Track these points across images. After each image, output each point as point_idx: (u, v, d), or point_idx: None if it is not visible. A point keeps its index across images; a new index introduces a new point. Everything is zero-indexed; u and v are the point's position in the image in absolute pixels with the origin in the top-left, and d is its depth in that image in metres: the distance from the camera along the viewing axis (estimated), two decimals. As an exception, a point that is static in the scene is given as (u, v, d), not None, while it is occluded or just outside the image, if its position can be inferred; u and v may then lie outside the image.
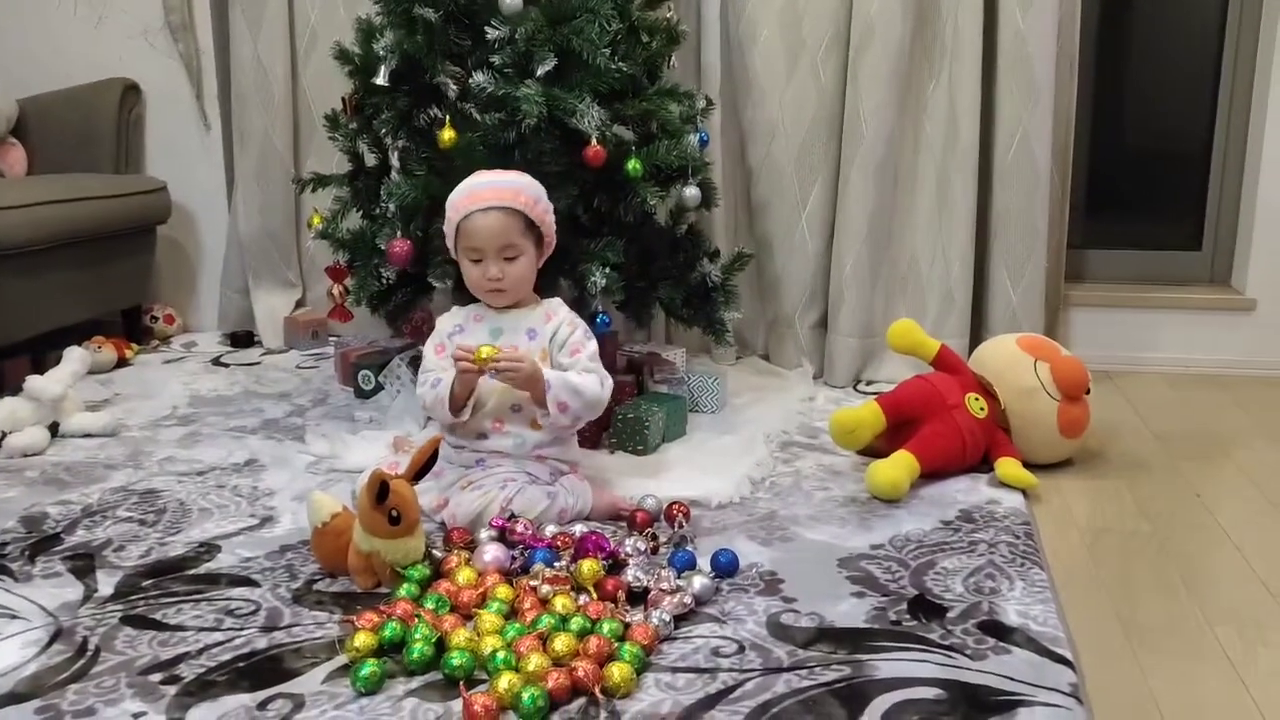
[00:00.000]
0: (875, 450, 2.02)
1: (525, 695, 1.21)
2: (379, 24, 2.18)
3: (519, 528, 1.65)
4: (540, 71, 2.04)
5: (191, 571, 1.60)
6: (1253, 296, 2.73)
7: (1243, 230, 2.79)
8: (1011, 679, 1.30)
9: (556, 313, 1.85)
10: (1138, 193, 3.01)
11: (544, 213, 1.82)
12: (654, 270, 2.27)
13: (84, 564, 1.62)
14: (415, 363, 2.39)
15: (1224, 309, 2.76)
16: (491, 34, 2.07)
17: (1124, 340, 2.76)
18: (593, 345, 1.83)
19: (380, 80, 2.10)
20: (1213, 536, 1.79)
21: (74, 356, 2.29)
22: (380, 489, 1.48)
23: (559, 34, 2.06)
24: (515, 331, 1.82)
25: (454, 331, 1.85)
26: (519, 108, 1.99)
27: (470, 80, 2.08)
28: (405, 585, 1.49)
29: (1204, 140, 2.86)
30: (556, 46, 2.05)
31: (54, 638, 1.40)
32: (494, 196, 1.76)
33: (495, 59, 2.08)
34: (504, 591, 1.47)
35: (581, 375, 1.77)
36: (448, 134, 2.05)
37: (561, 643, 1.32)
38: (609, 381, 1.81)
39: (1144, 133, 3.00)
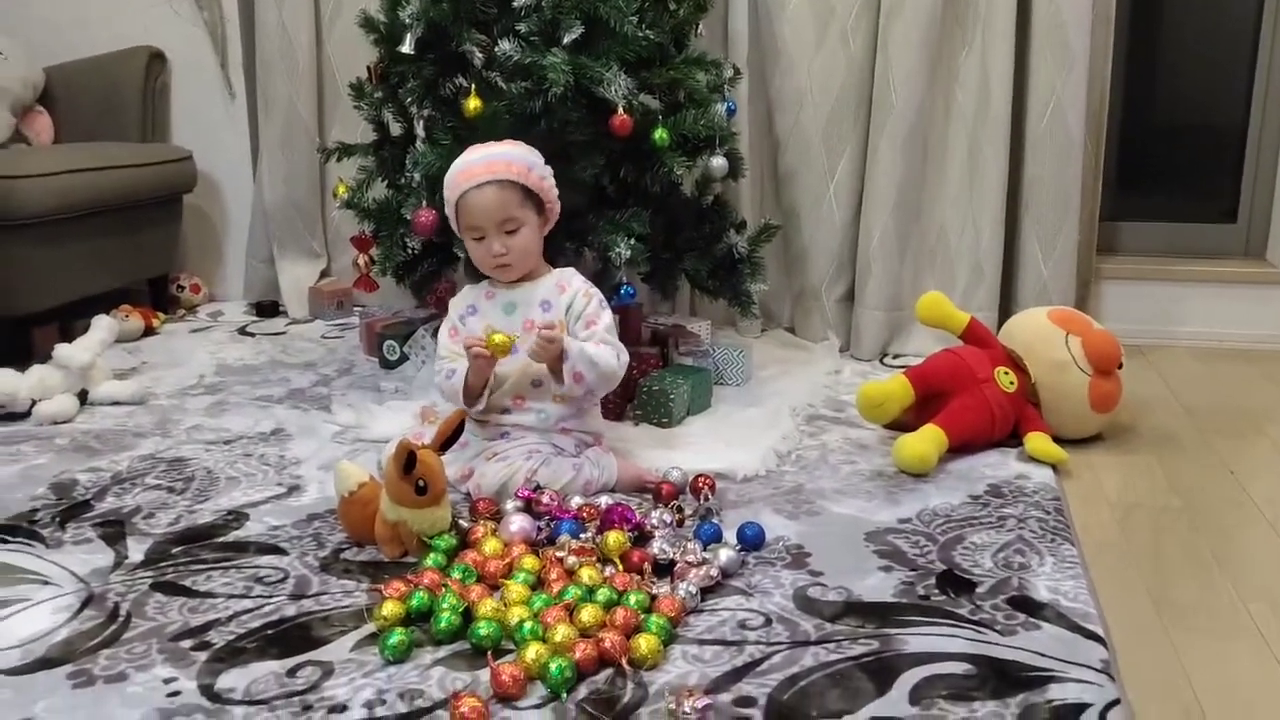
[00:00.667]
0: (903, 424, 2.01)
1: (553, 665, 1.21)
2: (405, -10, 2.16)
3: (545, 499, 1.65)
4: (567, 39, 2.01)
5: (220, 539, 1.61)
6: (1288, 270, 2.69)
7: (1279, 204, 2.74)
8: (1042, 655, 1.29)
9: (570, 283, 1.82)
10: (1172, 164, 2.96)
11: (540, 179, 1.78)
12: (679, 241, 2.26)
13: (114, 530, 1.64)
14: (440, 333, 2.39)
15: (1258, 282, 2.72)
16: (518, 1, 2.04)
17: (1156, 314, 2.73)
18: (608, 316, 1.81)
19: (406, 48, 2.09)
20: (1246, 513, 1.76)
21: (102, 325, 2.31)
22: (408, 459, 1.48)
23: (586, 1, 2.03)
24: (529, 305, 1.80)
25: (466, 313, 1.83)
26: (545, 76, 1.97)
27: (496, 48, 2.06)
28: (431, 555, 1.49)
29: (1241, 112, 2.81)
30: (583, 14, 2.02)
31: (85, 603, 1.42)
32: (486, 171, 1.74)
33: (521, 27, 2.05)
34: (530, 562, 1.47)
35: (598, 346, 1.75)
36: (473, 103, 2.03)
37: (588, 614, 1.32)
38: (624, 355, 1.80)
39: (1179, 103, 2.95)
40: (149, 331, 2.83)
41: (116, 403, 2.23)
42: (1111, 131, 2.70)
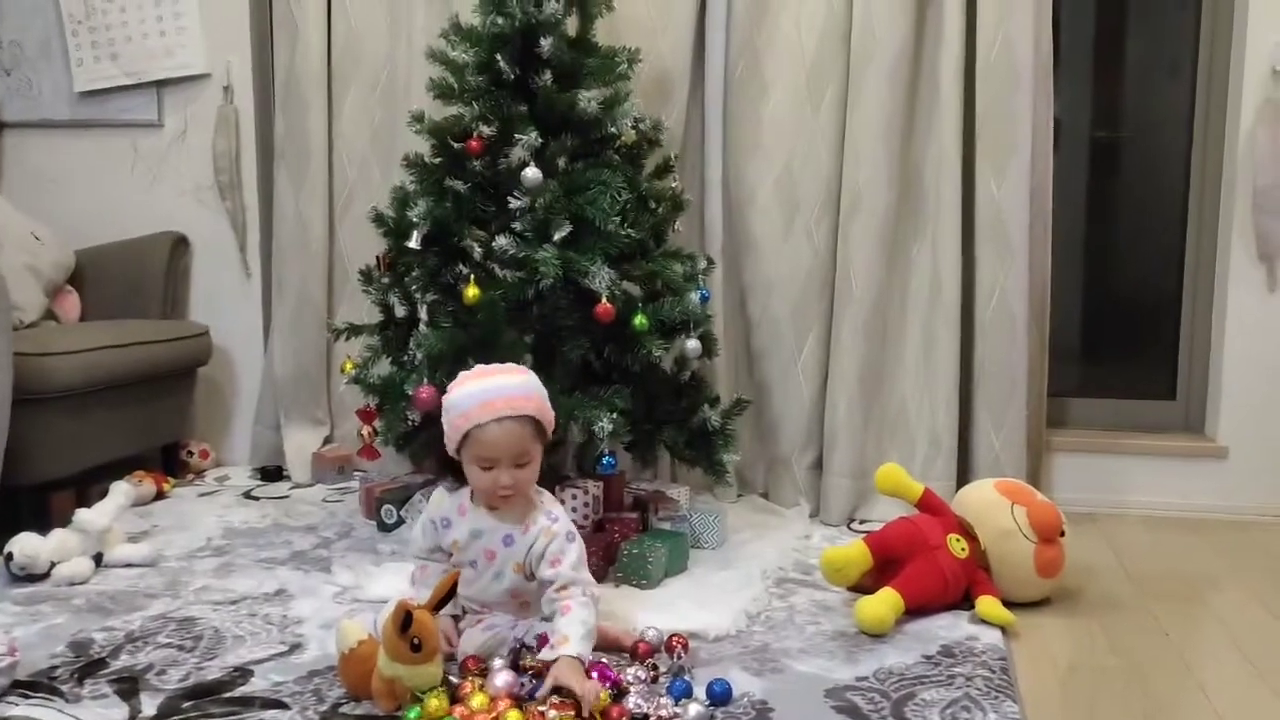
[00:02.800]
0: (864, 587, 2.16)
1: (532, 810, 1.33)
2: (413, 192, 2.43)
3: (529, 661, 1.78)
4: (557, 236, 2.26)
5: (227, 694, 1.74)
6: (1225, 444, 2.89)
7: (1213, 380, 2.97)
8: (977, 803, 1.41)
9: (535, 521, 1.82)
10: (1117, 343, 3.21)
11: (548, 410, 1.82)
12: (658, 413, 2.45)
13: (129, 686, 1.76)
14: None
15: (1198, 455, 2.92)
16: (514, 203, 2.31)
17: (1104, 484, 2.92)
18: (574, 551, 1.80)
19: (413, 244, 2.33)
20: (1179, 675, 1.90)
21: (120, 491, 2.46)
22: (405, 618, 1.63)
23: (574, 203, 2.29)
24: (493, 537, 1.84)
25: (443, 522, 1.89)
26: (538, 269, 2.21)
27: (494, 243, 2.31)
28: (414, 708, 1.61)
29: (1176, 293, 3.07)
30: (571, 215, 2.29)
31: (104, 754, 1.54)
32: (508, 406, 1.76)
33: (517, 225, 2.31)
34: (514, 716, 1.59)
35: (581, 612, 1.74)
36: (472, 291, 2.27)
37: (566, 763, 1.44)
38: (594, 588, 1.81)
39: (1124, 284, 3.22)
40: (160, 495, 2.98)
41: (130, 564, 2.37)
42: (1059, 313, 2.94)
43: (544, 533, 1.81)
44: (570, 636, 1.71)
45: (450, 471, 1.89)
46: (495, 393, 1.77)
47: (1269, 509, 2.85)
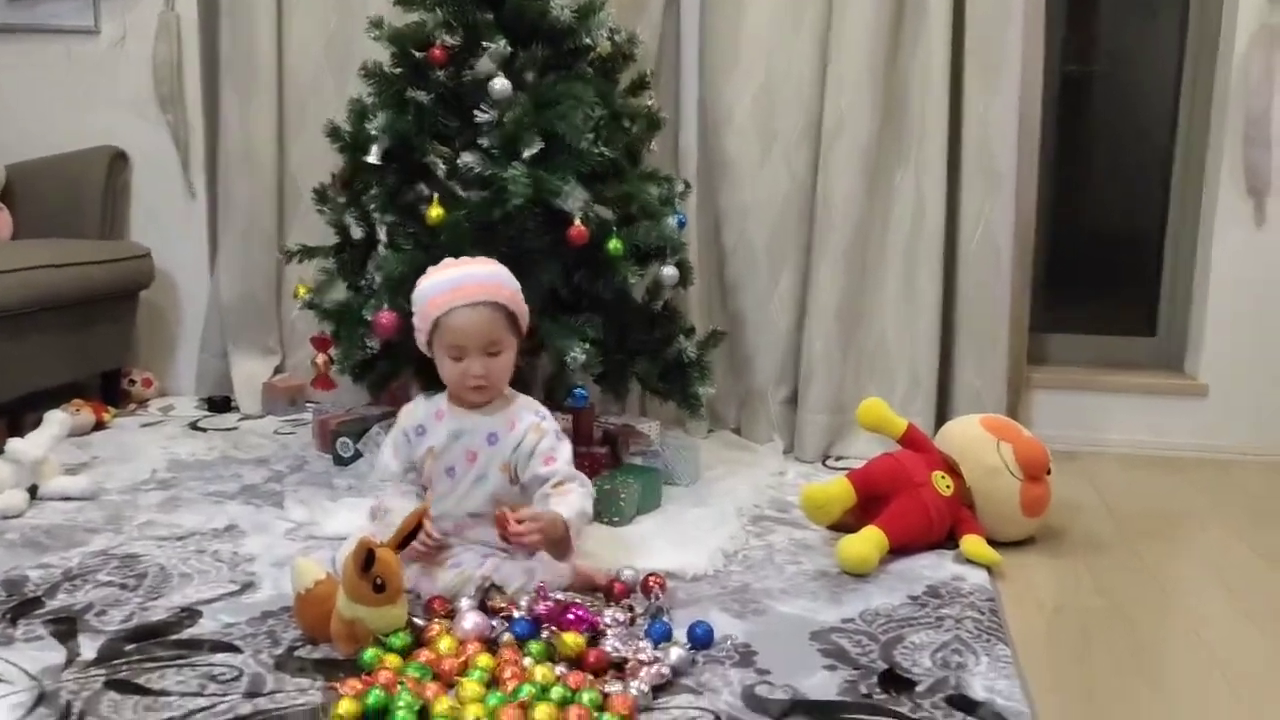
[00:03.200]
0: (845, 525, 2.08)
1: (508, 763, 1.24)
2: (371, 104, 2.26)
3: (498, 601, 1.68)
4: (526, 154, 2.12)
5: (174, 636, 1.62)
6: (1205, 382, 2.84)
7: (1195, 317, 2.91)
8: (977, 751, 1.34)
9: (520, 418, 1.78)
10: (1096, 279, 3.14)
11: (522, 304, 1.80)
12: (631, 344, 2.34)
13: (66, 628, 1.64)
14: (394, 431, 2.43)
15: (1177, 394, 2.87)
16: (480, 117, 2.15)
17: (1083, 422, 2.86)
18: (567, 448, 1.78)
19: (372, 159, 2.18)
20: (1167, 615, 1.85)
21: (55, 420, 2.31)
22: (367, 557, 1.51)
23: (545, 118, 2.14)
24: (475, 435, 1.78)
25: (415, 432, 1.82)
26: (506, 188, 2.07)
27: (458, 160, 2.16)
28: (371, 650, 1.51)
29: (1158, 229, 3.00)
30: (542, 130, 2.14)
31: (38, 701, 1.41)
32: (479, 291, 1.73)
33: (483, 141, 2.16)
34: (485, 660, 1.50)
35: (579, 494, 1.73)
36: (435, 211, 2.12)
37: (542, 712, 1.35)
38: (588, 484, 1.78)
39: (1105, 218, 3.14)
40: (99, 426, 2.83)
41: (67, 498, 2.23)
42: (1039, 246, 2.86)
43: (533, 429, 1.76)
44: (568, 506, 1.69)
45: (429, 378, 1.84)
46: (465, 279, 1.74)
47: (1250, 448, 2.81)
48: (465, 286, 1.73)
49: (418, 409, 1.85)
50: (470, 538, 1.80)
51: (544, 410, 1.81)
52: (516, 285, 1.79)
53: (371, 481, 2.21)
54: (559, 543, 1.70)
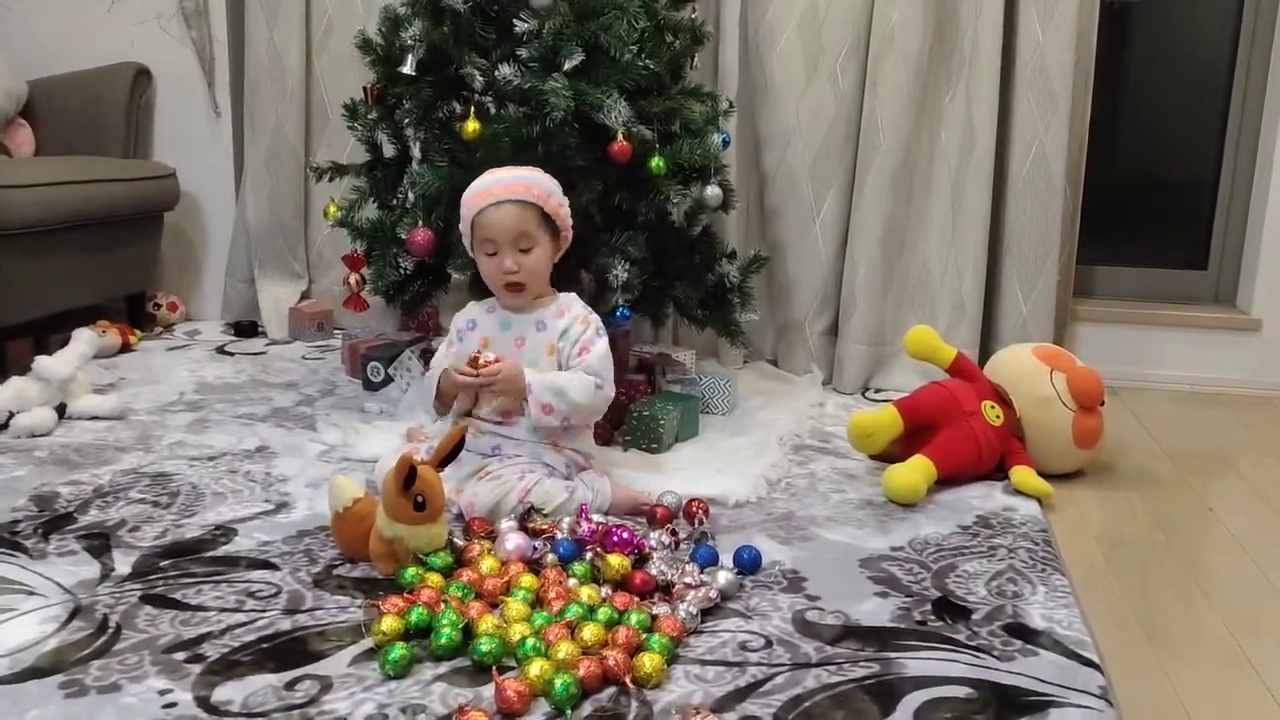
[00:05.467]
0: (889, 455, 2.02)
1: (558, 682, 1.20)
2: (405, 14, 2.17)
3: (538, 522, 1.64)
4: (567, 66, 2.03)
5: (209, 554, 1.59)
6: (1258, 317, 2.75)
7: (1249, 251, 2.82)
8: (1041, 680, 1.30)
9: (570, 308, 1.83)
10: (1146, 210, 3.03)
11: (558, 206, 1.81)
12: (670, 270, 2.27)
13: (99, 543, 1.61)
14: (426, 356, 2.38)
15: (1229, 328, 2.78)
16: (519, 27, 2.06)
17: (1128, 356, 2.78)
18: (602, 344, 1.80)
19: (407, 70, 2.10)
20: (1228, 549, 1.79)
21: (82, 338, 2.27)
22: (408, 474, 1.47)
23: (586, 29, 2.05)
24: (525, 325, 1.82)
25: (465, 328, 1.86)
26: (546, 101, 1.98)
27: (496, 72, 2.08)
28: (411, 569, 1.47)
29: (1213, 161, 2.89)
30: (583, 42, 2.05)
31: (73, 614, 1.38)
32: (507, 191, 1.76)
33: (522, 52, 2.07)
34: (529, 580, 1.46)
35: (572, 375, 1.76)
36: (472, 125, 2.04)
37: (590, 632, 1.31)
38: (609, 386, 1.79)
39: (1153, 150, 3.02)
40: (125, 348, 2.79)
41: (95, 417, 2.19)
42: (1088, 176, 2.76)
43: (580, 320, 1.81)
44: (546, 375, 1.74)
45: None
46: (497, 181, 1.78)
47: (1303, 385, 2.73)
48: (493, 189, 1.77)
49: (470, 309, 1.89)
50: (512, 434, 1.79)
51: (591, 310, 1.85)
52: (553, 188, 1.81)
53: (410, 400, 2.19)
54: (512, 395, 1.75)
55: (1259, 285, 2.75)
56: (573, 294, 1.88)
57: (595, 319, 1.83)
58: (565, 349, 1.79)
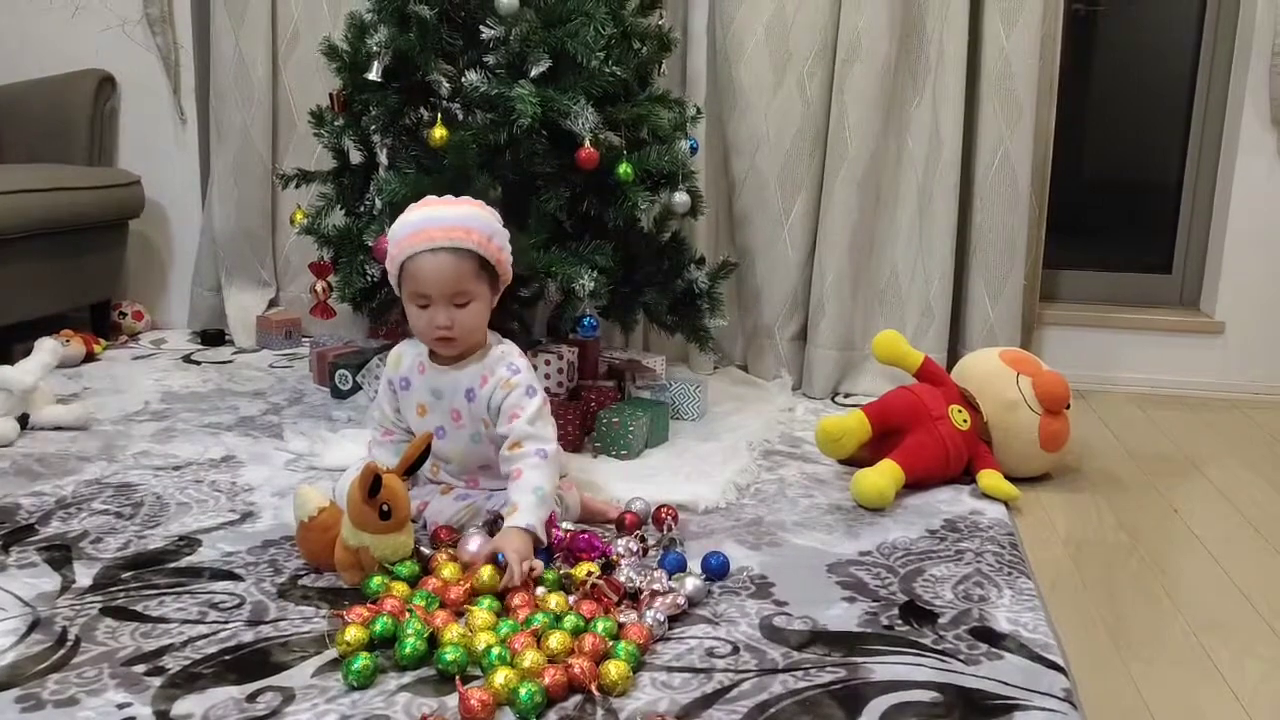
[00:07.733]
0: (858, 460, 2.03)
1: (523, 691, 1.20)
2: (370, 21, 2.16)
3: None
4: (534, 72, 2.03)
5: (172, 565, 1.57)
6: (1221, 320, 2.78)
7: (1212, 255, 2.85)
8: (1006, 683, 1.30)
9: (494, 370, 1.65)
10: (1111, 214, 3.06)
11: (498, 250, 1.63)
12: (639, 276, 2.27)
13: (60, 555, 1.58)
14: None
15: (1193, 331, 2.81)
16: (486, 33, 2.07)
17: (1094, 360, 2.80)
18: (533, 404, 1.63)
19: (373, 76, 2.09)
20: (1192, 551, 1.81)
21: (45, 347, 2.24)
22: (373, 483, 1.46)
23: (553, 36, 2.06)
24: (455, 394, 1.66)
25: (401, 384, 1.71)
26: (513, 108, 1.98)
27: (463, 78, 2.07)
28: (376, 578, 1.46)
29: (1176, 164, 2.92)
30: (550, 48, 2.05)
31: (31, 627, 1.36)
32: (445, 236, 1.57)
33: (489, 59, 2.07)
34: (488, 572, 1.45)
35: (526, 475, 1.57)
36: (439, 132, 2.04)
37: (556, 640, 1.31)
38: (551, 441, 1.63)
39: (1118, 155, 3.06)
40: (90, 357, 2.75)
41: (59, 427, 2.16)
42: (1053, 182, 2.78)
43: (502, 385, 1.63)
44: (520, 505, 1.54)
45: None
46: (432, 221, 1.59)
47: (1266, 387, 2.76)
48: (429, 230, 1.58)
49: (402, 359, 1.72)
50: (485, 488, 1.74)
51: (519, 362, 1.67)
52: (493, 229, 1.63)
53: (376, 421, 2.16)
54: (527, 545, 1.52)
55: (1222, 289, 2.78)
56: (501, 348, 1.69)
57: (521, 376, 1.64)
58: (493, 418, 1.65)
